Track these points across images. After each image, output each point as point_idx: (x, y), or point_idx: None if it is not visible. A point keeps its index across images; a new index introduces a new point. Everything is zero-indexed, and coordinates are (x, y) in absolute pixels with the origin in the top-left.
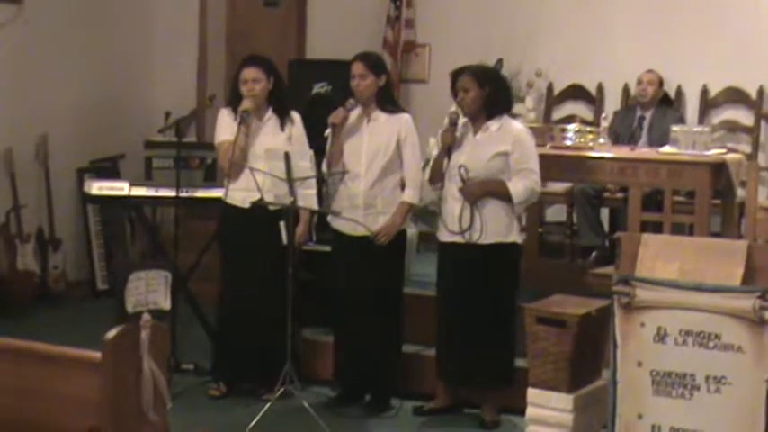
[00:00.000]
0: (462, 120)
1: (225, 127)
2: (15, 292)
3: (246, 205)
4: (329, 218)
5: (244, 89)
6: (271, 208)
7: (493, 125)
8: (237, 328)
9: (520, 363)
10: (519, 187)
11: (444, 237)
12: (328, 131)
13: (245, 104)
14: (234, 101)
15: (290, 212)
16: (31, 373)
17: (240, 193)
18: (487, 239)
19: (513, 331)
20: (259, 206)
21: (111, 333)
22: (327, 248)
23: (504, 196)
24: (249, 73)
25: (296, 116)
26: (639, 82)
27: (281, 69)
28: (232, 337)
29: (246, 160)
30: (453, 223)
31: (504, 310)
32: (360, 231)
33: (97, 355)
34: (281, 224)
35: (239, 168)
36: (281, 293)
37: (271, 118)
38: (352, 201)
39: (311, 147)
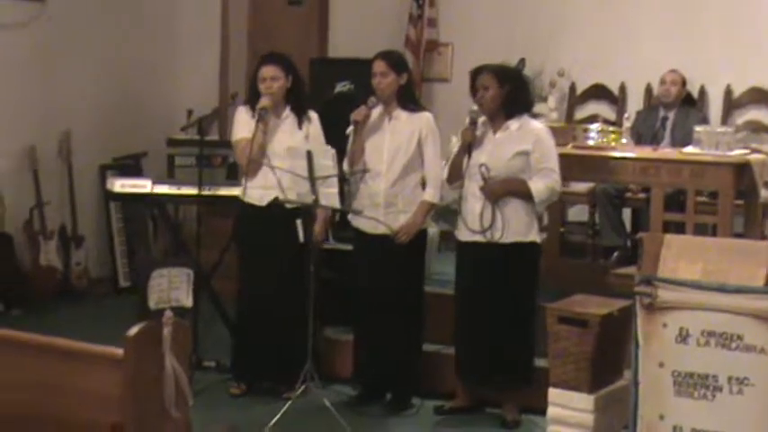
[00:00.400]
0: (482, 119)
1: (242, 124)
2: (38, 289)
3: (264, 203)
4: (350, 216)
5: (262, 87)
6: (288, 206)
7: (513, 124)
8: (256, 327)
9: (541, 363)
10: (540, 186)
11: (464, 236)
12: (350, 129)
13: (264, 102)
14: (252, 98)
15: (311, 210)
16: (53, 368)
17: (257, 191)
18: (508, 238)
19: (533, 331)
20: (276, 204)
21: (134, 330)
22: (349, 247)
23: (525, 195)
24: (268, 71)
25: (313, 115)
26: (663, 82)
27: (302, 68)
28: (250, 336)
29: (264, 158)
30: (474, 222)
31: (523, 310)
32: (380, 230)
33: (119, 351)
34: (298, 222)
35: (257, 166)
36: (298, 291)
37: (288, 116)
38: (373, 199)
39: (334, 146)
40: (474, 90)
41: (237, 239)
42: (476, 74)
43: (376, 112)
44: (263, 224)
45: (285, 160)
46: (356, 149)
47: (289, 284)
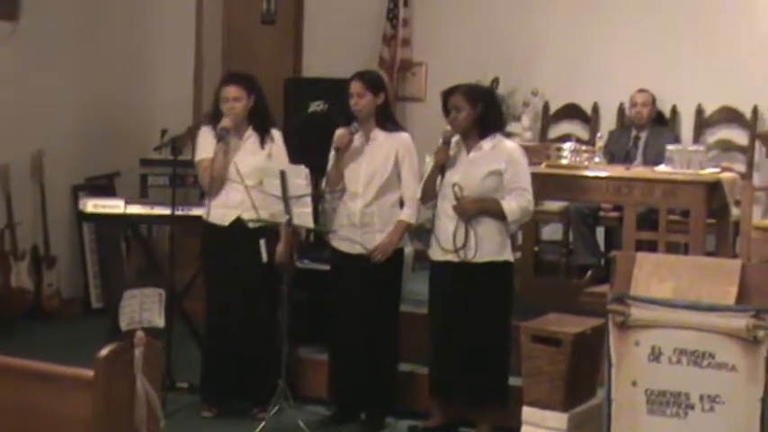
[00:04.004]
0: (455, 138)
1: (205, 144)
2: (9, 310)
3: (226, 223)
4: (330, 236)
5: (225, 107)
6: (251, 225)
7: (486, 144)
8: (224, 348)
9: (515, 381)
10: (513, 206)
11: (437, 255)
12: (332, 155)
13: (225, 122)
14: (215, 118)
15: (275, 230)
16: (24, 391)
17: (219, 211)
18: (482, 258)
19: (507, 349)
20: (239, 224)
21: (104, 351)
22: (322, 267)
23: (498, 215)
24: (230, 91)
25: (276, 134)
26: (633, 104)
27: (276, 87)
28: (219, 357)
29: (226, 178)
30: (447, 241)
31: (497, 329)
32: (357, 250)
33: (90, 372)
34: (261, 242)
35: (219, 186)
36: (264, 311)
37: (251, 136)
38: (350, 219)
39: (308, 165)
40: (447, 111)
41: (203, 259)
42: (448, 94)
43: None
44: (227, 244)
45: (247, 180)
46: (336, 174)
47: (254, 304)
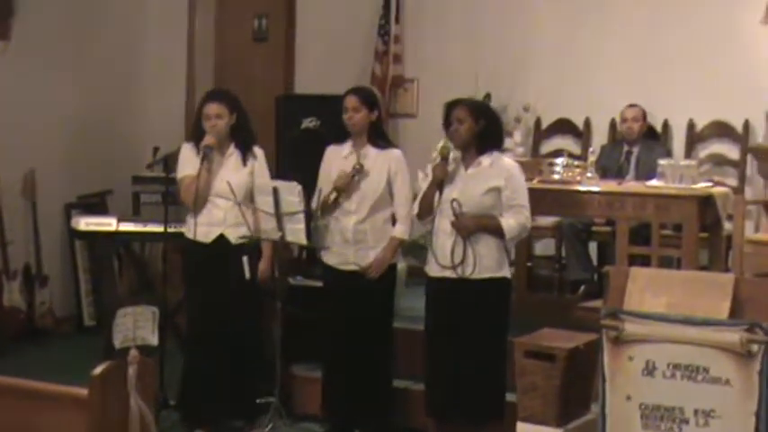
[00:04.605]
0: (453, 155)
1: (187, 161)
2: (2, 329)
3: (209, 240)
4: (322, 252)
5: (207, 125)
6: (233, 242)
7: (485, 160)
8: (206, 366)
9: (509, 397)
10: (511, 223)
11: (434, 271)
12: (333, 195)
13: (208, 140)
14: (196, 135)
15: (257, 247)
16: (17, 410)
17: (203, 228)
18: (480, 274)
19: (504, 366)
20: (221, 241)
21: (99, 369)
22: (315, 283)
23: (496, 231)
24: (212, 108)
25: (258, 151)
26: (624, 119)
27: (268, 104)
28: (202, 375)
29: (209, 195)
30: (445, 258)
31: (494, 345)
32: (350, 266)
33: (84, 391)
34: (244, 259)
35: (202, 204)
36: (247, 327)
37: (233, 153)
38: (344, 235)
39: (300, 181)
40: (447, 123)
41: (185, 277)
42: (451, 107)
43: (346, 151)
44: (210, 261)
45: (226, 197)
46: (333, 204)
47: (238, 320)
